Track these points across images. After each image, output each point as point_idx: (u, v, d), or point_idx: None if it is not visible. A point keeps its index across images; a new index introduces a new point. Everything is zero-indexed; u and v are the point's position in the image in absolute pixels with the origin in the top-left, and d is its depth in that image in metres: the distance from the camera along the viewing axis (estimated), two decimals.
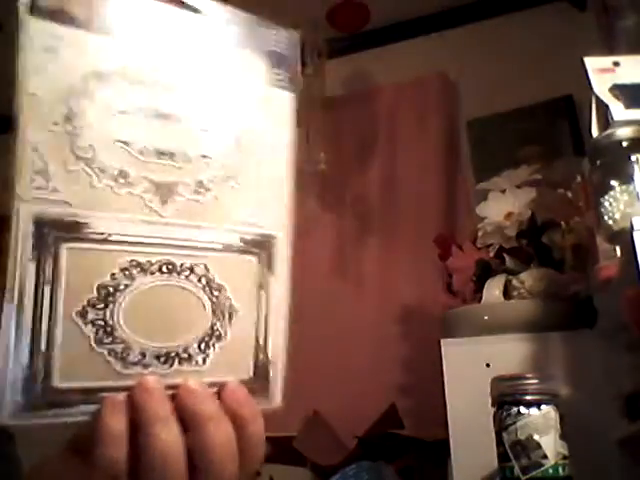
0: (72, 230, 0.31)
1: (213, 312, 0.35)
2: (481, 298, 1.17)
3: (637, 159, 0.68)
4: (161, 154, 0.34)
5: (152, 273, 0.33)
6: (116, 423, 0.31)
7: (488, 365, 1.05)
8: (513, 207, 1.21)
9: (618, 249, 0.78)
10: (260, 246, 0.37)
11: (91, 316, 0.32)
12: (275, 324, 0.38)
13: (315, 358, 1.81)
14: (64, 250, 0.31)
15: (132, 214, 0.33)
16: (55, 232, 0.31)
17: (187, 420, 0.33)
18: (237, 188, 0.36)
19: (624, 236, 0.65)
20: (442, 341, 1.13)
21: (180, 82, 0.35)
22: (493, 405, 0.76)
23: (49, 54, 0.31)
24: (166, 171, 0.34)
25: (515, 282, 1.15)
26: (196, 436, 0.33)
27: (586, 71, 0.74)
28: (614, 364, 0.89)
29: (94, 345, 0.32)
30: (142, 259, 0.33)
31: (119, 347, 0.32)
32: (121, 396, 0.32)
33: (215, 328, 0.35)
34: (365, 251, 1.90)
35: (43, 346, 0.30)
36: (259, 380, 0.37)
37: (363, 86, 2.04)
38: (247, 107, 0.38)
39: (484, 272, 1.21)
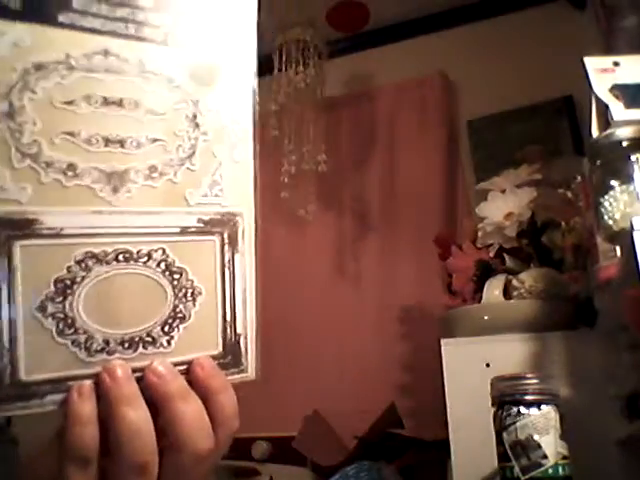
0: (23, 227, 0.31)
1: (175, 295, 0.36)
2: (481, 298, 1.17)
3: (637, 159, 0.68)
4: (110, 142, 0.34)
5: (108, 263, 0.34)
6: (84, 407, 0.32)
7: (488, 365, 1.05)
8: (513, 207, 1.21)
9: (618, 249, 0.78)
10: (222, 225, 0.37)
11: (51, 310, 0.32)
12: (242, 299, 0.38)
13: (315, 358, 1.81)
14: (17, 248, 0.31)
15: (83, 206, 0.33)
16: (6, 231, 0.31)
17: (156, 401, 0.34)
18: (193, 169, 0.36)
19: (624, 236, 0.65)
20: (442, 341, 1.13)
21: (127, 65, 0.34)
22: (493, 405, 0.76)
23: None
24: (116, 159, 0.34)
25: (515, 282, 1.15)
26: (165, 415, 0.34)
27: (586, 71, 0.74)
28: (614, 364, 0.89)
29: (56, 337, 0.32)
30: (97, 250, 0.33)
31: (82, 337, 0.33)
32: (88, 382, 0.33)
33: (178, 310, 0.36)
34: (365, 251, 1.90)
35: (6, 343, 0.31)
36: (229, 354, 0.38)
37: (363, 86, 2.04)
38: (200, 82, 0.37)
39: (484, 272, 1.21)
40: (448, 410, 1.07)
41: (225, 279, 0.38)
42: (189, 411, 0.34)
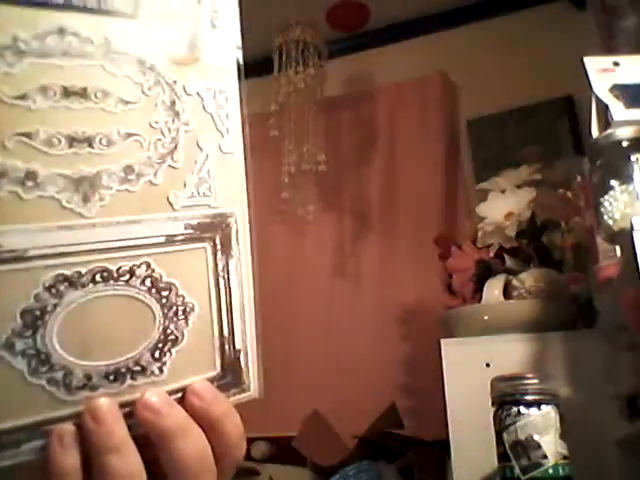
0: None
1: (164, 315, 0.31)
2: (481, 298, 1.17)
3: (637, 159, 0.68)
4: (75, 141, 0.28)
5: (84, 285, 0.29)
6: (66, 459, 0.28)
7: (488, 365, 1.05)
8: (513, 207, 1.21)
9: (618, 249, 0.78)
10: (213, 229, 0.32)
11: (19, 346, 0.27)
12: (240, 310, 0.34)
13: (315, 358, 1.81)
14: None
15: (48, 221, 0.27)
16: None
17: (153, 438, 0.30)
18: (176, 167, 0.31)
19: (624, 236, 0.65)
20: (442, 341, 1.13)
21: (90, 46, 0.28)
22: (493, 405, 0.76)
23: None
24: (84, 161, 0.28)
25: (515, 282, 1.15)
26: (164, 454, 0.30)
27: (586, 71, 0.74)
28: (614, 364, 0.89)
29: (29, 377, 0.28)
30: (68, 272, 0.28)
31: (59, 374, 0.28)
32: (69, 427, 0.29)
33: (168, 332, 0.31)
34: (365, 251, 1.90)
35: None
36: (229, 373, 0.34)
37: (363, 86, 2.04)
38: (177, 61, 0.31)
39: (484, 272, 1.21)
40: (448, 410, 1.07)
41: (220, 290, 0.33)
42: (191, 448, 0.30)
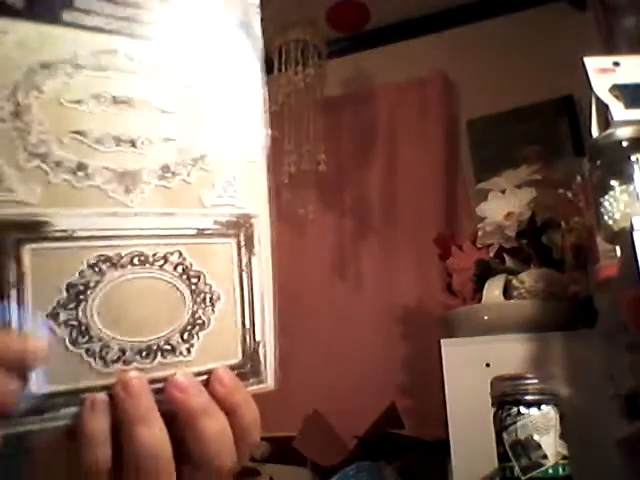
0: (33, 230, 0.30)
1: (193, 300, 0.34)
2: (481, 298, 1.17)
3: (637, 159, 0.68)
4: (121, 141, 0.32)
5: (123, 266, 0.32)
6: (96, 424, 0.30)
7: (488, 365, 1.05)
8: (513, 207, 1.21)
9: (618, 249, 0.78)
10: (237, 227, 0.36)
11: (63, 317, 0.30)
12: (261, 305, 0.36)
13: (315, 358, 1.81)
14: (27, 252, 0.30)
15: (95, 207, 0.31)
16: (15, 234, 0.29)
17: (179, 417, 0.32)
18: (207, 169, 0.35)
19: (624, 236, 0.65)
20: (442, 341, 1.13)
21: (138, 63, 0.33)
22: (493, 405, 0.76)
23: None
24: (128, 158, 0.32)
25: (515, 282, 1.15)
26: (188, 432, 0.32)
27: (586, 71, 0.74)
28: (614, 364, 0.89)
29: (70, 346, 0.31)
30: (110, 253, 0.32)
31: (96, 346, 0.31)
32: (101, 395, 0.31)
33: (197, 316, 0.34)
34: (365, 251, 1.90)
35: None
36: (249, 363, 0.36)
37: (363, 86, 2.04)
38: (210, 79, 0.36)
39: (484, 272, 1.21)
40: (448, 410, 1.07)
41: (243, 283, 0.36)
42: (214, 428, 0.33)
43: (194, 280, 0.34)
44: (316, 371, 1.79)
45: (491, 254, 1.23)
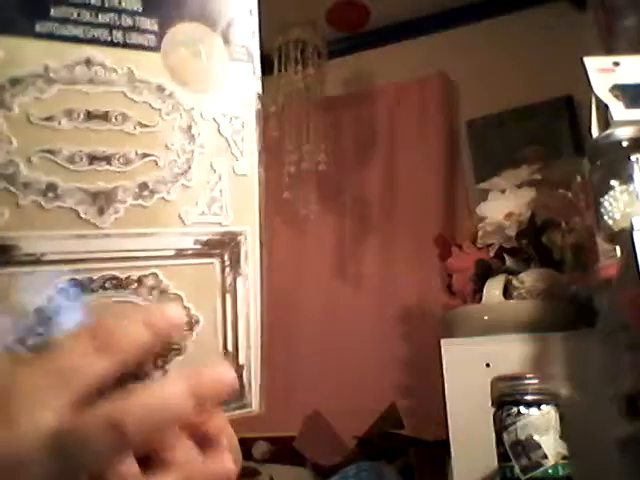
0: (0, 254, 0.29)
1: None
2: (481, 298, 1.17)
3: (637, 159, 0.68)
4: (95, 159, 0.31)
5: (94, 291, 0.31)
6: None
7: (488, 365, 1.05)
8: (513, 207, 1.21)
9: (618, 249, 0.78)
10: (221, 246, 0.34)
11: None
12: (245, 327, 0.35)
13: (315, 358, 1.81)
14: None
15: (64, 230, 0.30)
16: None
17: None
18: (189, 186, 0.33)
19: (624, 236, 0.65)
20: (442, 341, 1.13)
21: (114, 75, 0.31)
22: (493, 405, 0.76)
23: None
24: (102, 178, 0.31)
25: (515, 282, 1.15)
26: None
27: (586, 71, 0.74)
28: (614, 364, 0.89)
29: None
30: (81, 277, 0.30)
31: None
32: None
33: (172, 341, 0.32)
34: (365, 251, 1.90)
35: None
36: None
37: (363, 86, 2.04)
38: (197, 90, 0.33)
39: (484, 272, 1.21)
40: (448, 410, 1.07)
41: (226, 305, 0.34)
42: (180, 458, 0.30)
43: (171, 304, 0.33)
44: (316, 371, 1.79)
45: (491, 254, 1.23)
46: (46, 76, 0.30)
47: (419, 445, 1.41)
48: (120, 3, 0.31)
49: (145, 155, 0.32)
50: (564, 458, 0.70)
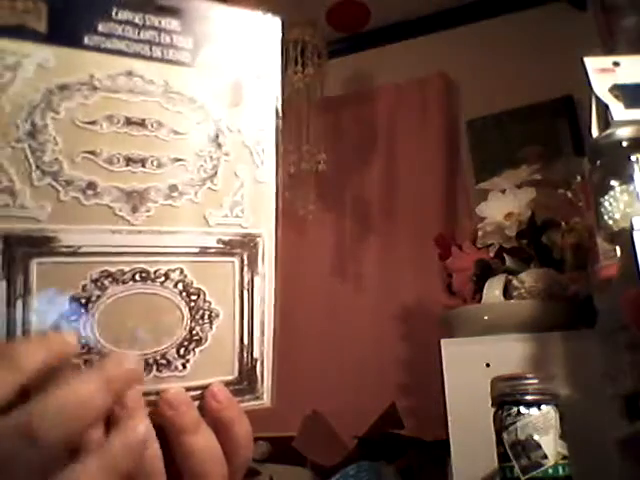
0: (41, 245, 0.32)
1: (192, 317, 0.35)
2: (481, 298, 1.17)
3: (637, 159, 0.68)
4: (131, 161, 0.34)
5: (125, 282, 0.34)
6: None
7: (488, 365, 1.05)
8: (513, 207, 1.21)
9: (618, 249, 0.78)
10: (241, 246, 0.37)
11: (64, 328, 0.32)
12: (260, 323, 0.37)
13: (315, 358, 1.81)
14: (34, 265, 0.31)
15: (101, 224, 0.33)
16: (24, 248, 0.31)
17: (168, 433, 0.34)
18: (215, 189, 0.36)
19: (624, 236, 0.65)
20: (442, 341, 1.13)
21: (152, 86, 0.35)
22: (493, 405, 0.76)
23: (10, 72, 0.31)
24: (137, 178, 0.34)
25: (515, 282, 1.15)
26: (177, 447, 0.34)
27: (586, 71, 0.74)
28: (614, 364, 0.89)
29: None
30: (113, 269, 0.33)
31: (95, 358, 0.33)
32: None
33: (194, 332, 0.35)
34: (365, 251, 1.90)
35: None
36: (246, 380, 0.37)
37: (363, 86, 2.04)
38: (226, 103, 0.37)
39: (484, 272, 1.21)
40: (448, 410, 1.07)
41: (243, 302, 0.37)
42: (201, 444, 0.34)
43: (194, 297, 0.35)
44: (316, 371, 1.79)
45: (491, 254, 1.23)
46: (91, 84, 0.33)
47: (419, 445, 1.41)
48: (160, 23, 0.35)
49: (176, 160, 0.35)
50: (564, 458, 0.70)
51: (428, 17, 1.97)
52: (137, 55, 0.34)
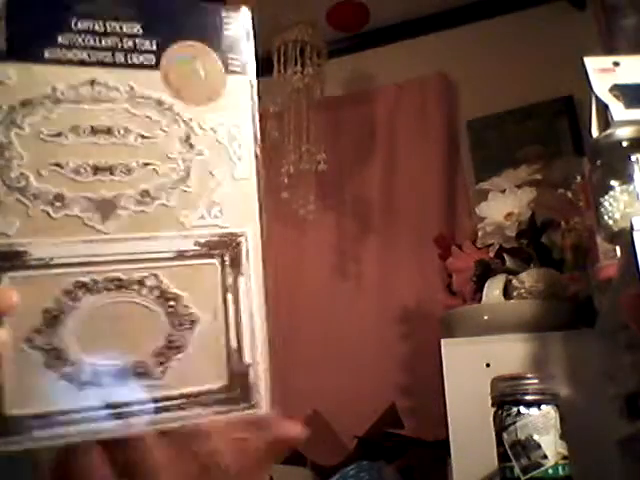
0: (12, 259, 0.31)
1: (170, 323, 0.34)
2: (481, 298, 1.17)
3: (637, 159, 0.68)
4: (99, 170, 0.33)
5: (99, 292, 0.33)
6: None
7: (488, 365, 1.05)
8: (513, 207, 1.21)
9: (618, 249, 0.78)
10: (222, 247, 0.36)
11: (39, 342, 0.32)
12: (250, 325, 0.36)
13: (315, 358, 1.81)
14: (6, 279, 0.31)
15: (71, 236, 0.33)
16: None
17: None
18: (189, 191, 0.35)
19: (624, 236, 0.65)
20: (442, 341, 1.13)
21: (116, 93, 0.34)
22: (493, 405, 0.76)
23: None
24: (106, 187, 0.33)
25: (515, 282, 1.15)
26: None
27: (586, 71, 0.74)
28: (614, 364, 0.89)
29: (45, 370, 0.32)
30: (86, 279, 0.33)
31: (70, 369, 0.32)
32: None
33: (172, 339, 0.34)
34: (365, 251, 1.90)
35: None
36: (237, 387, 0.35)
37: (363, 86, 2.04)
38: (195, 102, 0.36)
39: (484, 272, 1.21)
40: (448, 410, 1.07)
41: (228, 304, 0.36)
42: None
43: (171, 303, 0.34)
44: (316, 371, 1.79)
45: (491, 254, 1.23)
46: (54, 97, 0.33)
47: (419, 445, 1.41)
48: (122, 28, 0.34)
49: (146, 164, 0.34)
50: (564, 458, 0.70)
51: (428, 17, 1.96)
52: (99, 63, 0.34)
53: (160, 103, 0.35)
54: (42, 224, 0.32)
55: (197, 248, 0.35)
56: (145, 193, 0.34)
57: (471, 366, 1.07)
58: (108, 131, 0.34)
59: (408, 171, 1.90)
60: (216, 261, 0.36)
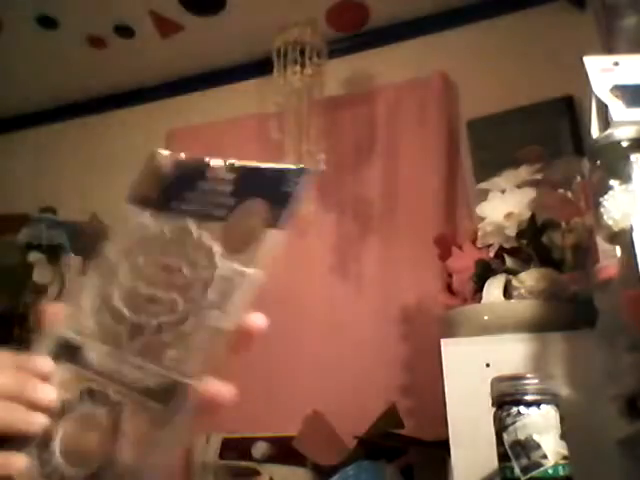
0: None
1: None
2: (481, 298, 1.17)
3: (637, 159, 0.68)
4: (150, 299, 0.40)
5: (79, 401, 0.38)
6: None
7: (488, 365, 1.05)
8: (513, 207, 1.21)
9: (618, 249, 0.78)
10: (168, 394, 0.37)
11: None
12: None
13: (315, 358, 1.81)
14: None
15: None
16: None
17: None
18: (185, 332, 0.38)
19: (624, 236, 0.65)
20: (442, 341, 1.13)
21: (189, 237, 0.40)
22: (493, 405, 0.76)
23: None
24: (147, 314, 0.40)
25: (515, 282, 1.15)
26: None
27: (586, 71, 0.74)
28: (614, 364, 0.89)
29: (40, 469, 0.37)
30: (99, 388, 0.38)
31: (56, 476, 0.37)
32: None
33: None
34: (365, 251, 1.90)
35: None
36: None
37: (363, 86, 2.04)
38: (232, 250, 0.39)
39: (484, 272, 1.21)
40: (448, 410, 1.07)
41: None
42: None
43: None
44: (316, 371, 1.79)
45: (491, 254, 1.23)
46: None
47: (419, 445, 1.41)
48: (217, 188, 0.40)
49: (172, 300, 0.39)
50: (564, 458, 0.70)
51: (428, 17, 1.96)
52: (194, 214, 0.39)
53: (209, 252, 0.39)
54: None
55: (155, 389, 0.37)
56: (159, 327, 0.39)
57: (471, 366, 1.07)
58: (166, 268, 0.40)
59: (408, 171, 1.90)
60: (159, 405, 0.37)
